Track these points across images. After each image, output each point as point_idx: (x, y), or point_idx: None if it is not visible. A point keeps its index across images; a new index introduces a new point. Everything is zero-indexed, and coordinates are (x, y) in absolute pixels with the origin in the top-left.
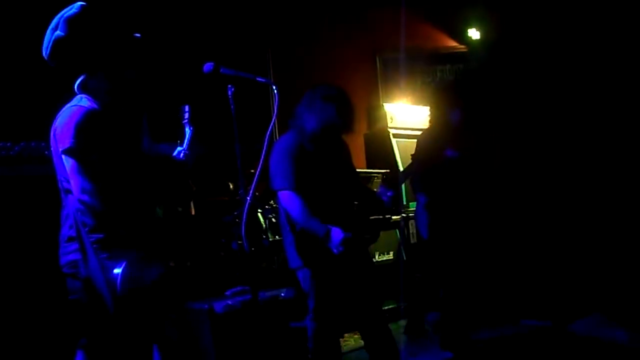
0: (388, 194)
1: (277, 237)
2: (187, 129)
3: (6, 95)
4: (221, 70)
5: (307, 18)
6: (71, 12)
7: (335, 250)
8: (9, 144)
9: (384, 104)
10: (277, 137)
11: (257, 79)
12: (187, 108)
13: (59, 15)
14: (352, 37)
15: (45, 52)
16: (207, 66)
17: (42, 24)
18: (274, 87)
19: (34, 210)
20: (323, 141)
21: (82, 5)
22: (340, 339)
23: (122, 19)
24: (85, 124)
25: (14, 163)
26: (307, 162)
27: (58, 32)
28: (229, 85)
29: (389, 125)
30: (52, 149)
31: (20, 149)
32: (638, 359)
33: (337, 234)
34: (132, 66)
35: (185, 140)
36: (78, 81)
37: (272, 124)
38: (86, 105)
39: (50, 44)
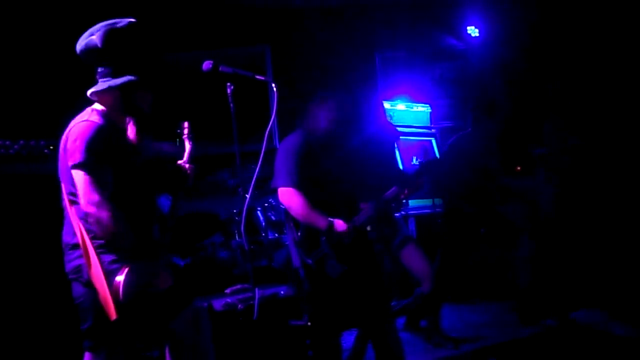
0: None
1: (276, 234)
2: (187, 144)
3: (6, 94)
4: (220, 68)
5: (307, 16)
6: (116, 26)
7: (346, 240)
8: (7, 142)
9: (383, 103)
10: (276, 135)
11: (256, 77)
12: (186, 124)
13: (104, 23)
14: (351, 34)
15: (77, 48)
16: (206, 64)
17: (41, 27)
18: (274, 85)
19: (32, 208)
20: (334, 140)
21: (129, 23)
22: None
23: (158, 42)
24: (95, 140)
25: (13, 161)
26: (315, 161)
27: (94, 39)
28: (228, 84)
29: None
30: (59, 161)
31: (20, 148)
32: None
33: (340, 225)
34: (153, 90)
35: (186, 155)
36: (94, 89)
37: (271, 122)
38: (96, 121)
39: (84, 46)
